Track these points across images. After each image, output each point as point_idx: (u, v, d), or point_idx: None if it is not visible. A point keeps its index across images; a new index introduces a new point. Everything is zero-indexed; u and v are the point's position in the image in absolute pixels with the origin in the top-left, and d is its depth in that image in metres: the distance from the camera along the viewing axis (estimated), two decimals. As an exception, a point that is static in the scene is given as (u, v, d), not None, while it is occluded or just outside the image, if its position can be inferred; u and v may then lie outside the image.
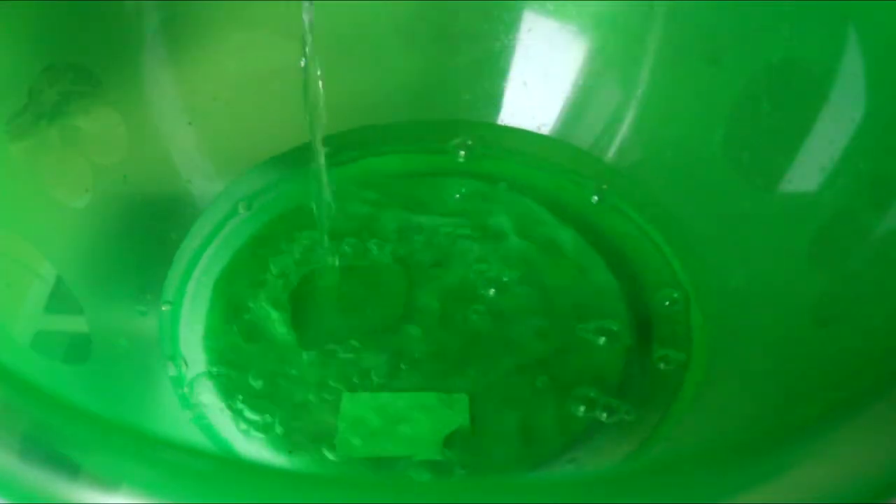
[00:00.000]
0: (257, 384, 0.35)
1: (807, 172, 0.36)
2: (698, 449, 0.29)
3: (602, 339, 0.37)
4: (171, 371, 0.36)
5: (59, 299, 0.34)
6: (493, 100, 0.43)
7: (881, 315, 0.30)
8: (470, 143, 0.43)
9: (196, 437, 0.34)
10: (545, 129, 0.43)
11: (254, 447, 0.34)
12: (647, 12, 0.40)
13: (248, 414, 0.34)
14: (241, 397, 0.35)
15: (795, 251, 0.35)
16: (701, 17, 0.39)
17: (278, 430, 0.34)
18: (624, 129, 0.42)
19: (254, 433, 0.34)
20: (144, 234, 0.39)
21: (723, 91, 0.39)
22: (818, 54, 0.36)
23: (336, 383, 0.36)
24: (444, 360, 0.37)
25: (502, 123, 0.44)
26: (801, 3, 0.36)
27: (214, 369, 0.36)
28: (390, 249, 0.40)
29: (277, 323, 0.38)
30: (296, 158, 0.43)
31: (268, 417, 0.34)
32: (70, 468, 0.20)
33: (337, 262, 0.40)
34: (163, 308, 0.38)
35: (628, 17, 0.41)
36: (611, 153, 0.42)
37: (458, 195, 0.42)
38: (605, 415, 0.35)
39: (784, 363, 0.33)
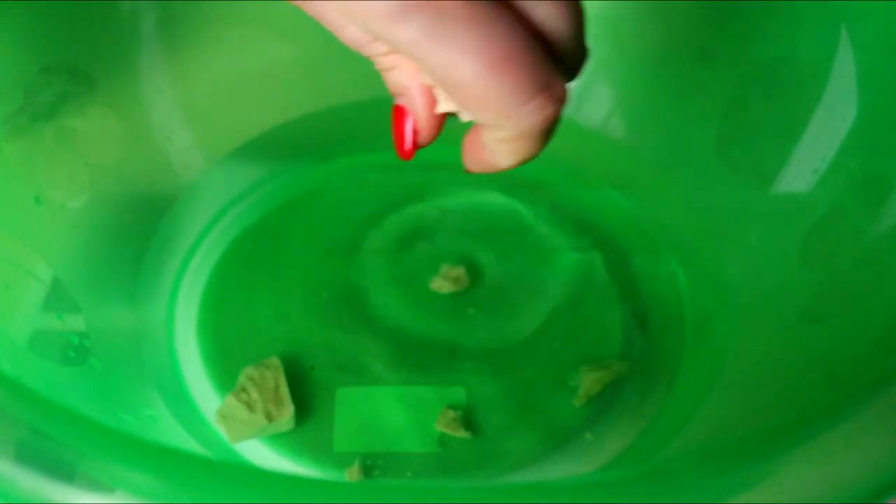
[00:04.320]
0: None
1: (799, 171, 0.36)
2: (694, 451, 0.30)
3: (597, 332, 0.38)
4: (166, 368, 0.36)
5: (56, 300, 0.34)
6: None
7: (872, 314, 0.30)
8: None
9: (191, 436, 0.34)
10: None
11: (249, 444, 0.34)
12: (640, 11, 0.41)
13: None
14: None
15: (788, 249, 0.35)
16: (693, 16, 0.40)
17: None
18: (617, 127, 0.42)
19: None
20: (140, 232, 0.39)
21: (715, 90, 0.39)
22: (810, 54, 0.36)
23: (332, 376, 0.36)
24: (440, 353, 0.37)
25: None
26: (793, 2, 0.36)
27: (209, 364, 0.36)
28: (389, 243, 0.41)
29: (273, 317, 0.38)
30: (288, 155, 0.43)
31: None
32: (66, 472, 0.20)
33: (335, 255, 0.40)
34: (158, 306, 0.38)
35: (620, 16, 0.41)
36: (604, 151, 0.42)
37: (452, 188, 0.42)
38: (599, 408, 0.36)
39: (777, 360, 0.33)
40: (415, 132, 0.24)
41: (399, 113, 0.24)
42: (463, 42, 0.20)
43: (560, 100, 0.22)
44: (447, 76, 0.21)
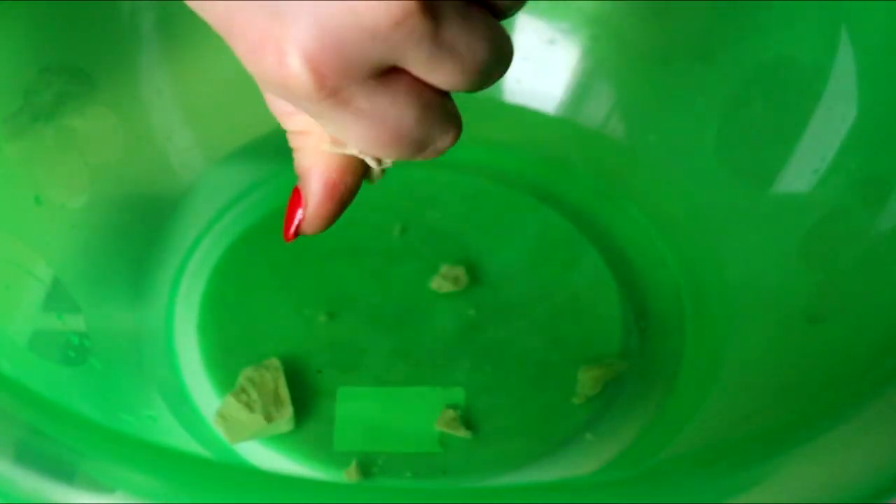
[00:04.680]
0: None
1: (799, 171, 0.36)
2: (694, 451, 0.30)
3: (597, 332, 0.38)
4: (166, 369, 0.36)
5: (56, 300, 0.34)
6: (487, 99, 0.43)
7: (872, 314, 0.30)
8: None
9: (191, 437, 0.34)
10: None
11: (249, 444, 0.34)
12: (640, 11, 0.41)
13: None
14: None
15: (788, 249, 0.35)
16: (693, 16, 0.40)
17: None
18: (617, 127, 0.42)
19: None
20: (140, 232, 0.39)
21: (715, 90, 0.39)
22: (811, 54, 0.36)
23: (332, 376, 0.36)
24: (440, 353, 0.37)
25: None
26: (793, 3, 0.36)
27: (209, 364, 0.36)
28: (389, 243, 0.41)
29: (272, 317, 0.38)
30: (288, 155, 0.43)
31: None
32: (66, 472, 0.20)
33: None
34: (158, 306, 0.38)
35: (620, 16, 0.41)
36: (604, 151, 0.42)
37: (452, 188, 0.42)
38: (599, 409, 0.36)
39: (777, 360, 0.33)
40: (299, 221, 0.25)
41: (295, 195, 0.25)
42: (354, 127, 0.21)
43: (441, 151, 0.22)
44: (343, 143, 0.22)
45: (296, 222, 0.25)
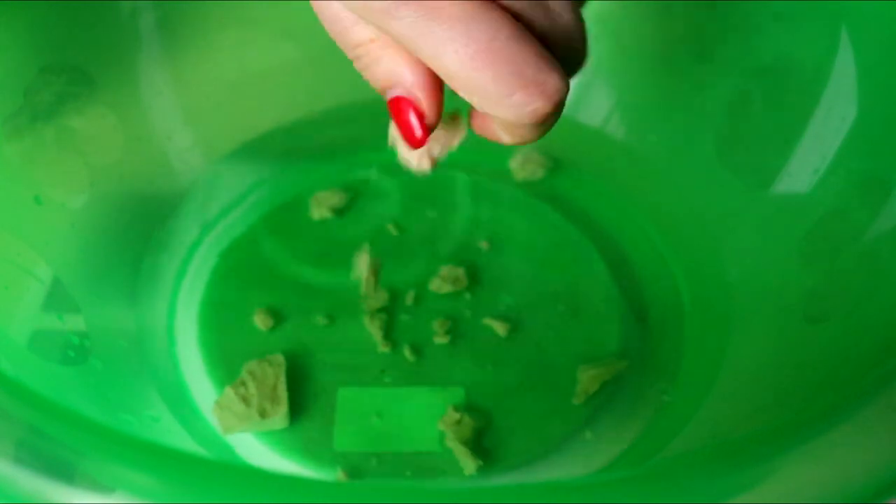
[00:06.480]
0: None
1: (799, 171, 0.36)
2: (694, 451, 0.30)
3: (597, 332, 0.38)
4: (166, 369, 0.36)
5: (56, 300, 0.34)
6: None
7: (872, 314, 0.30)
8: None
9: (191, 437, 0.34)
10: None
11: (248, 443, 0.34)
12: (640, 11, 0.41)
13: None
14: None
15: (788, 249, 0.35)
16: (693, 16, 0.40)
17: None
18: (617, 127, 0.42)
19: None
20: (140, 232, 0.39)
21: (715, 90, 0.39)
22: (811, 54, 0.36)
23: (332, 376, 0.36)
24: (440, 353, 0.37)
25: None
26: (793, 3, 0.36)
27: (209, 364, 0.36)
28: (388, 243, 0.41)
29: (272, 317, 0.38)
30: (288, 155, 0.43)
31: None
32: (66, 472, 0.20)
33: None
34: (158, 306, 0.38)
35: (620, 16, 0.41)
36: (604, 151, 0.42)
37: (452, 188, 0.42)
38: (599, 408, 0.36)
39: (777, 360, 0.33)
40: (419, 116, 0.24)
41: (396, 104, 0.24)
42: (448, 34, 0.21)
43: (549, 96, 0.22)
44: (436, 66, 0.22)
45: (415, 122, 0.24)
